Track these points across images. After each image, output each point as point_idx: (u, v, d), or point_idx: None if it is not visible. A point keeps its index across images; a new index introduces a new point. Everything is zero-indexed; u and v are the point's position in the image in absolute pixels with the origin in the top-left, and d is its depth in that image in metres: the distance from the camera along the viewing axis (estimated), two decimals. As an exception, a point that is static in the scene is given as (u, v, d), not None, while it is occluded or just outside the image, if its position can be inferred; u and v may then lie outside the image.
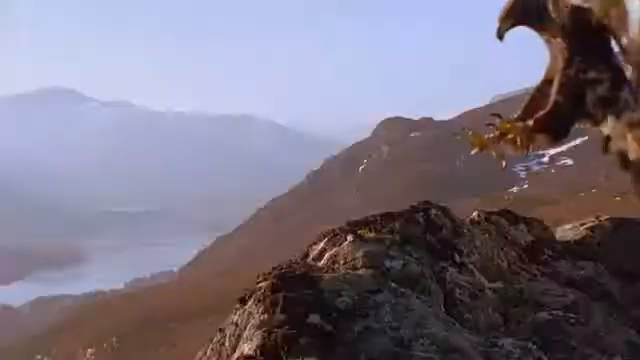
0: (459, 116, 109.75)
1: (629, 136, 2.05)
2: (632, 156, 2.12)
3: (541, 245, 3.38)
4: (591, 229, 3.48)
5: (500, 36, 2.47)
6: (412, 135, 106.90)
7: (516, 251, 3.19)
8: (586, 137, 79.74)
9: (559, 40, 2.32)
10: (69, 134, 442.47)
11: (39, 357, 59.72)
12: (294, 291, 2.19)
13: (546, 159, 75.09)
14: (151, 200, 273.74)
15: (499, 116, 2.40)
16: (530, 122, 2.36)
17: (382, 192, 78.08)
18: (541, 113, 2.34)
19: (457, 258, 2.78)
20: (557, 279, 3.10)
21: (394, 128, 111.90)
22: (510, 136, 2.31)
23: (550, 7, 2.35)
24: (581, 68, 2.23)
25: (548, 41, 2.37)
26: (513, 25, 2.49)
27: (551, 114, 2.32)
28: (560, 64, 2.28)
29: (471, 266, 2.79)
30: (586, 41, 2.24)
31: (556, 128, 2.31)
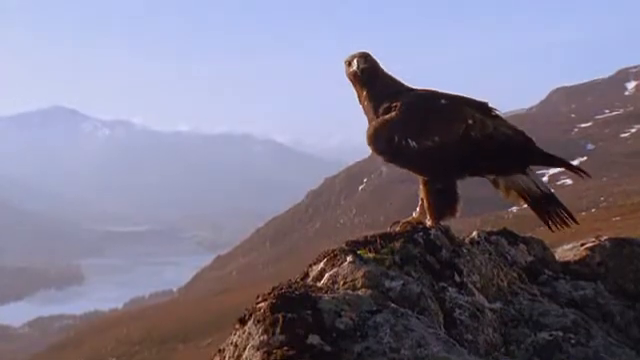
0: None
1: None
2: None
3: (541, 265, 3.38)
4: (591, 249, 3.48)
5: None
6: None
7: (516, 271, 3.19)
8: (585, 157, 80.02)
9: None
10: (69, 153, 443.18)
11: (37, 377, 59.29)
12: (294, 311, 2.19)
13: (545, 179, 74.94)
14: (150, 219, 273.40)
15: (397, 222, 3.20)
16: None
17: (382, 212, 78.06)
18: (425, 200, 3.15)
19: (457, 278, 2.78)
20: (557, 299, 3.09)
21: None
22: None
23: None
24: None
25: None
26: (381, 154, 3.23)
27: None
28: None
29: (471, 286, 2.79)
30: None
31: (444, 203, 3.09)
